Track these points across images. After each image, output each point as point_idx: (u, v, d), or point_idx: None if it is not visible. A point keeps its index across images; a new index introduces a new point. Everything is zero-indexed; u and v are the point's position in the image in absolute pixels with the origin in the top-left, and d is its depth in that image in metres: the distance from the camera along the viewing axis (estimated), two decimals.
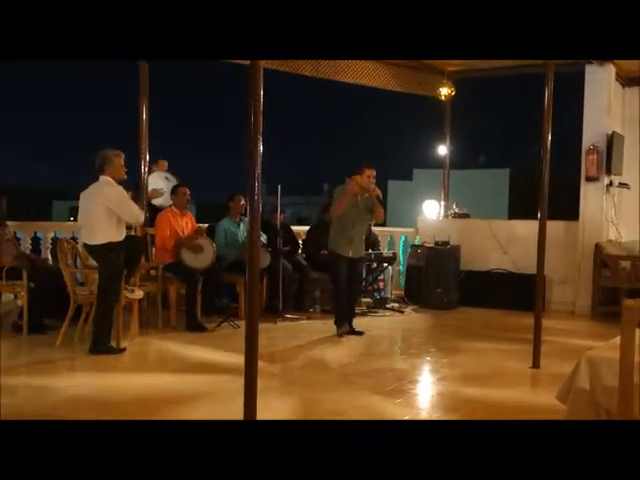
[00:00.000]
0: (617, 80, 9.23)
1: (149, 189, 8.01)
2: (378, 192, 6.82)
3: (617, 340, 2.54)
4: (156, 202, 8.13)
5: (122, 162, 5.99)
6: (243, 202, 8.00)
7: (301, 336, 6.98)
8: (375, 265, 9.08)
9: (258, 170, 3.41)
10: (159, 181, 8.18)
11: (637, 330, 2.47)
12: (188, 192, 7.57)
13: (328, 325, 7.16)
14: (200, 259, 7.12)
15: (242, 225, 8.12)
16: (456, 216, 10.32)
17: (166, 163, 8.56)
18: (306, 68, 8.91)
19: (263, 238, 8.00)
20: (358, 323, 7.28)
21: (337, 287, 7.01)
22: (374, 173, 6.80)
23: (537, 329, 5.74)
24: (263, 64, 3.46)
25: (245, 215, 7.86)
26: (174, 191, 7.61)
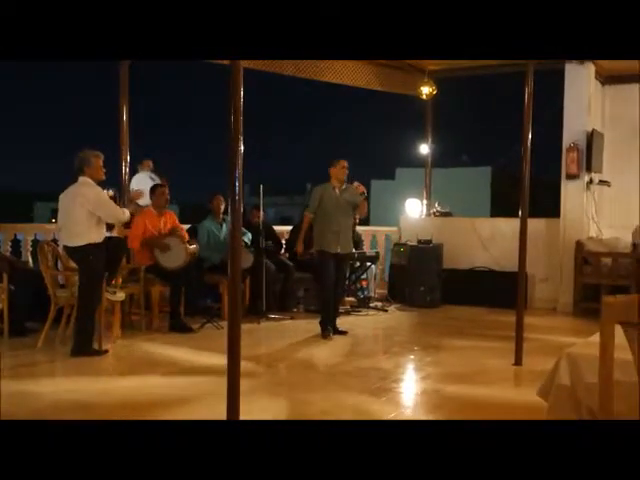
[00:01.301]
0: (596, 78, 9.31)
1: (133, 189, 7.97)
2: (362, 189, 6.87)
3: (597, 337, 2.55)
4: (141, 202, 8.09)
5: (101, 163, 5.95)
6: (223, 201, 8.02)
7: (285, 336, 6.98)
8: (358, 264, 9.09)
9: (239, 170, 3.41)
10: (144, 181, 8.13)
11: (617, 326, 2.49)
12: (167, 192, 7.52)
13: (312, 325, 7.16)
14: (171, 258, 7.04)
15: (225, 225, 8.10)
16: (438, 214, 10.36)
17: (151, 163, 8.50)
18: (287, 68, 8.89)
19: (247, 237, 7.99)
20: (342, 322, 7.29)
21: (324, 287, 6.97)
22: (346, 164, 6.91)
23: (519, 326, 5.77)
24: (244, 64, 3.45)
25: (227, 214, 7.87)
26: (153, 191, 7.56)
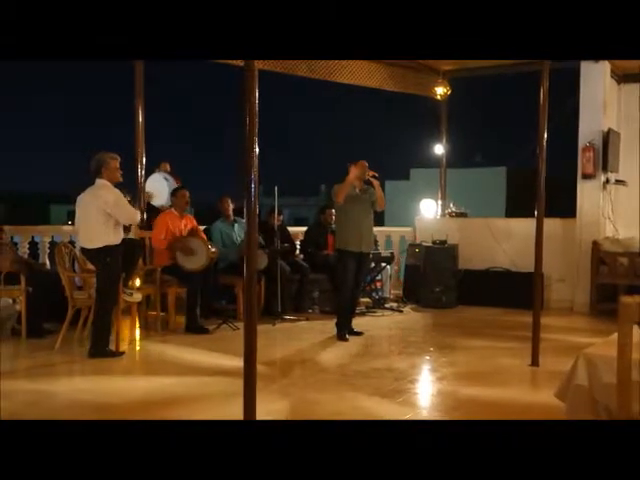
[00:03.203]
0: (612, 77, 9.25)
1: (147, 190, 8.03)
2: (372, 172, 6.83)
3: (614, 337, 2.54)
4: (155, 203, 8.14)
5: (118, 165, 5.98)
6: (230, 203, 8.15)
7: (300, 337, 6.99)
8: (373, 265, 9.08)
9: (254, 171, 3.41)
10: (158, 182, 8.17)
11: (634, 327, 2.47)
12: (188, 195, 7.57)
13: (327, 326, 7.16)
14: (193, 260, 7.09)
15: (237, 225, 8.20)
16: (454, 215, 10.33)
17: (168, 165, 8.55)
18: (301, 69, 8.89)
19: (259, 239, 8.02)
20: (357, 323, 7.28)
21: (343, 288, 6.93)
22: (367, 164, 6.86)
23: (535, 327, 5.74)
24: (257, 65, 3.46)
25: (239, 216, 7.98)
26: (174, 193, 7.62)
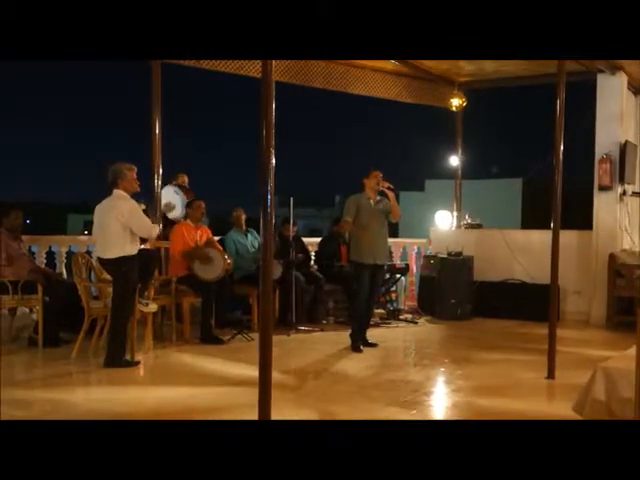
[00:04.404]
0: (629, 89, 9.21)
1: (167, 201, 8.06)
2: (387, 184, 6.80)
3: (632, 350, 2.52)
4: (171, 215, 8.18)
5: (135, 175, 6.01)
6: (243, 213, 8.28)
7: (315, 348, 6.98)
8: (388, 276, 9.06)
9: (271, 183, 3.43)
10: (169, 195, 8.21)
11: None
12: (203, 206, 7.61)
13: (342, 337, 7.15)
14: (210, 270, 7.10)
15: (249, 235, 8.26)
16: (469, 226, 10.30)
17: (186, 178, 8.58)
18: (317, 80, 8.91)
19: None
20: (372, 335, 7.26)
21: (358, 299, 6.92)
22: (381, 175, 6.83)
23: (551, 339, 5.70)
24: (274, 77, 3.48)
25: (252, 226, 8.03)
26: (190, 204, 7.66)
